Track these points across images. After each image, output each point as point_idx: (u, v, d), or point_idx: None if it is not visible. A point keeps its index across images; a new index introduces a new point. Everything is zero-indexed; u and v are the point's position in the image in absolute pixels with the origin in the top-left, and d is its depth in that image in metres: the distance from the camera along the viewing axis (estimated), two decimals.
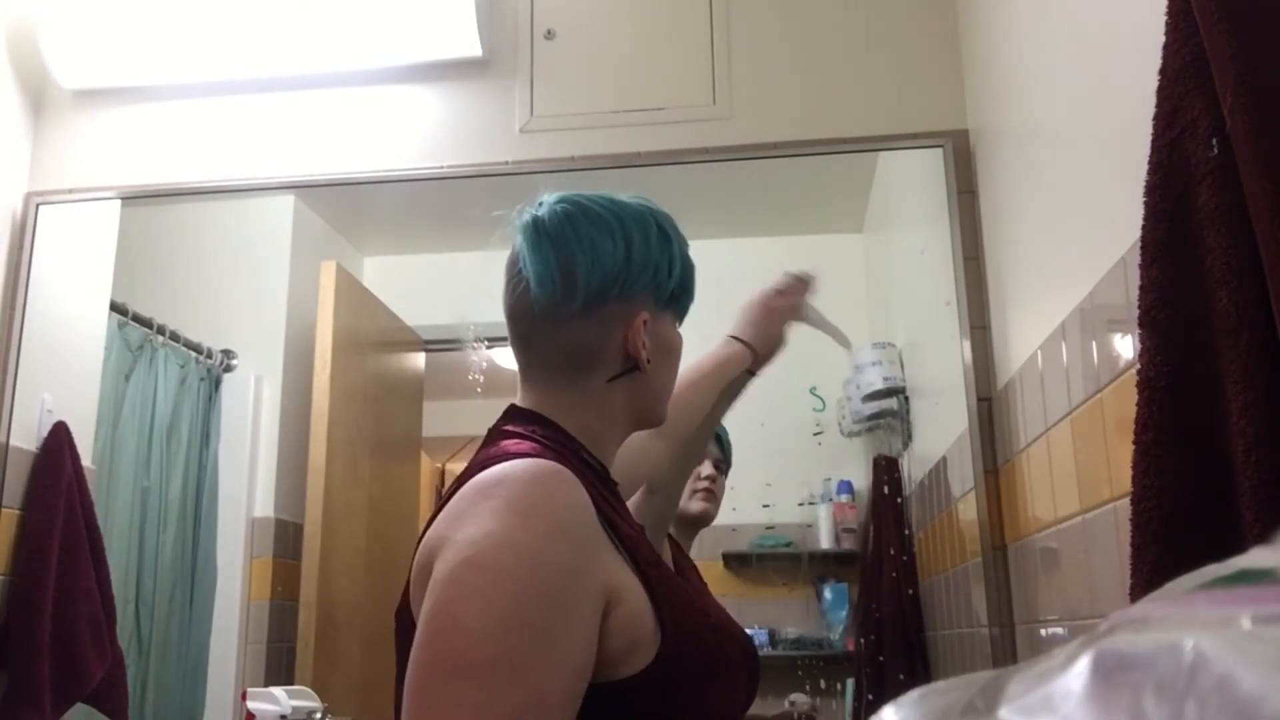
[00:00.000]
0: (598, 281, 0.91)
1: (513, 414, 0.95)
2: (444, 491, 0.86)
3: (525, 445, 0.86)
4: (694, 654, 0.83)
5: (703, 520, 1.76)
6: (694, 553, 1.85)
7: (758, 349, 1.29)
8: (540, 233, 0.92)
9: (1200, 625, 0.28)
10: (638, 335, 0.94)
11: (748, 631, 2.03)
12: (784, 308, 1.34)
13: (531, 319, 0.94)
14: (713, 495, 1.76)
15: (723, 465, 1.78)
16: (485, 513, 0.77)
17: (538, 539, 0.75)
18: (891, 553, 2.02)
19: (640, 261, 0.94)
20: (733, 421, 2.23)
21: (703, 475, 1.75)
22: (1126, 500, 0.86)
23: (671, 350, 1.01)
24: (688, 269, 1.01)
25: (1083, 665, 0.29)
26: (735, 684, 0.91)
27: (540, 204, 0.95)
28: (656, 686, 0.79)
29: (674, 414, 1.06)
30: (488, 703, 0.68)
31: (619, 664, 0.78)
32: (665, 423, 1.05)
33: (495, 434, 0.93)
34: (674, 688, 0.80)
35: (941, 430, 1.93)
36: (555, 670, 0.71)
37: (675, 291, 0.99)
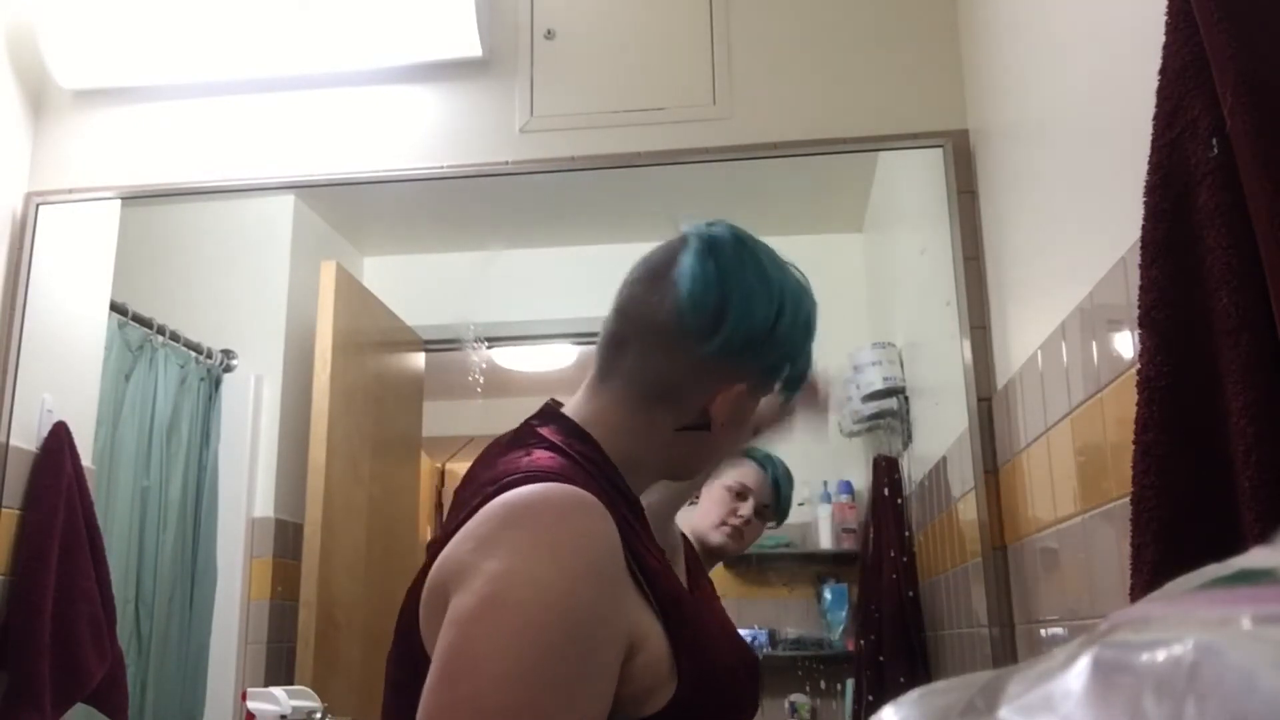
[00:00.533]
0: (741, 337, 0.87)
1: (553, 417, 0.90)
2: (459, 491, 0.83)
3: (557, 462, 0.82)
4: (709, 696, 0.82)
5: (721, 554, 1.72)
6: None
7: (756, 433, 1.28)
8: (716, 252, 0.88)
9: (1200, 625, 0.28)
10: (727, 402, 0.89)
11: (748, 632, 2.05)
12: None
13: (645, 327, 0.88)
14: (740, 536, 1.71)
15: (768, 513, 1.74)
16: (512, 544, 0.73)
17: (567, 580, 0.72)
18: (891, 553, 2.02)
19: (780, 339, 0.89)
20: None
21: (740, 513, 1.70)
22: (1126, 500, 0.86)
23: (745, 424, 0.96)
24: (808, 365, 0.96)
25: (1083, 665, 0.29)
26: (743, 713, 0.91)
27: (715, 224, 0.92)
28: None
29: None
30: None
31: (635, 706, 0.76)
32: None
33: (527, 434, 0.88)
34: None
35: (941, 430, 1.93)
36: (575, 717, 0.70)
37: (787, 380, 0.95)
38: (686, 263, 0.87)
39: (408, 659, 0.78)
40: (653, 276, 0.89)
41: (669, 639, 0.79)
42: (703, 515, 1.70)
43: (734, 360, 0.88)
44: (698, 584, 1.18)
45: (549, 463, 0.81)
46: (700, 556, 1.67)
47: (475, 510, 0.77)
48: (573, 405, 0.91)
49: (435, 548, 0.79)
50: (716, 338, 0.86)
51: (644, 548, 0.84)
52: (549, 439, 0.86)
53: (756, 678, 0.97)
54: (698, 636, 0.85)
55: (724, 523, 1.70)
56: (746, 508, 1.70)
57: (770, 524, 1.76)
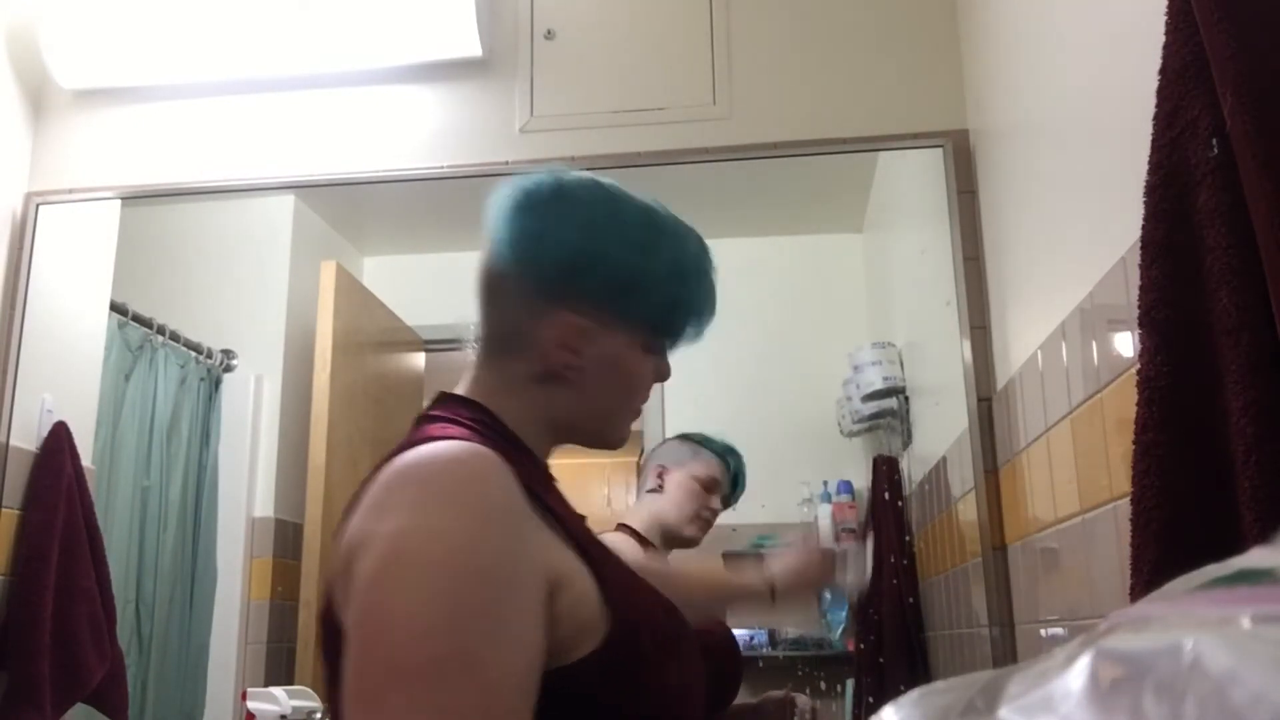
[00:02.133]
0: (552, 265, 0.86)
1: (440, 399, 0.90)
2: (361, 482, 0.81)
3: (451, 429, 0.81)
4: (646, 633, 0.80)
5: (693, 544, 1.79)
6: (693, 552, 1.87)
7: (776, 597, 1.31)
8: (527, 194, 0.89)
9: (1200, 625, 0.28)
10: (564, 338, 0.86)
11: (748, 632, 2.05)
12: (818, 581, 1.37)
13: (479, 284, 0.90)
14: (708, 526, 1.79)
15: (727, 501, 1.82)
16: (406, 502, 0.72)
17: (466, 525, 0.70)
18: (891, 553, 2.02)
19: (614, 269, 0.87)
20: (733, 421, 2.23)
21: (711, 505, 1.77)
22: (1126, 500, 0.86)
23: (622, 375, 0.91)
24: (690, 313, 0.93)
25: (1082, 665, 0.29)
26: (692, 662, 0.88)
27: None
28: (610, 668, 0.76)
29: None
30: (444, 704, 0.64)
31: (569, 649, 0.74)
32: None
33: (420, 420, 0.87)
34: (628, 668, 0.77)
35: (941, 430, 1.93)
36: (507, 660, 0.67)
37: (661, 324, 0.91)
38: (494, 209, 0.89)
39: (332, 649, 0.75)
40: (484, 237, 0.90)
41: (595, 578, 0.78)
42: (675, 507, 1.76)
43: (555, 292, 0.86)
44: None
45: (442, 431, 0.80)
46: (660, 545, 1.76)
47: (369, 486, 0.77)
48: (459, 386, 0.91)
49: (339, 537, 0.78)
50: (529, 272, 0.87)
51: (557, 502, 0.83)
52: (440, 416, 0.85)
53: (732, 656, 0.95)
54: (624, 572, 0.84)
55: (700, 518, 1.76)
56: (717, 500, 1.77)
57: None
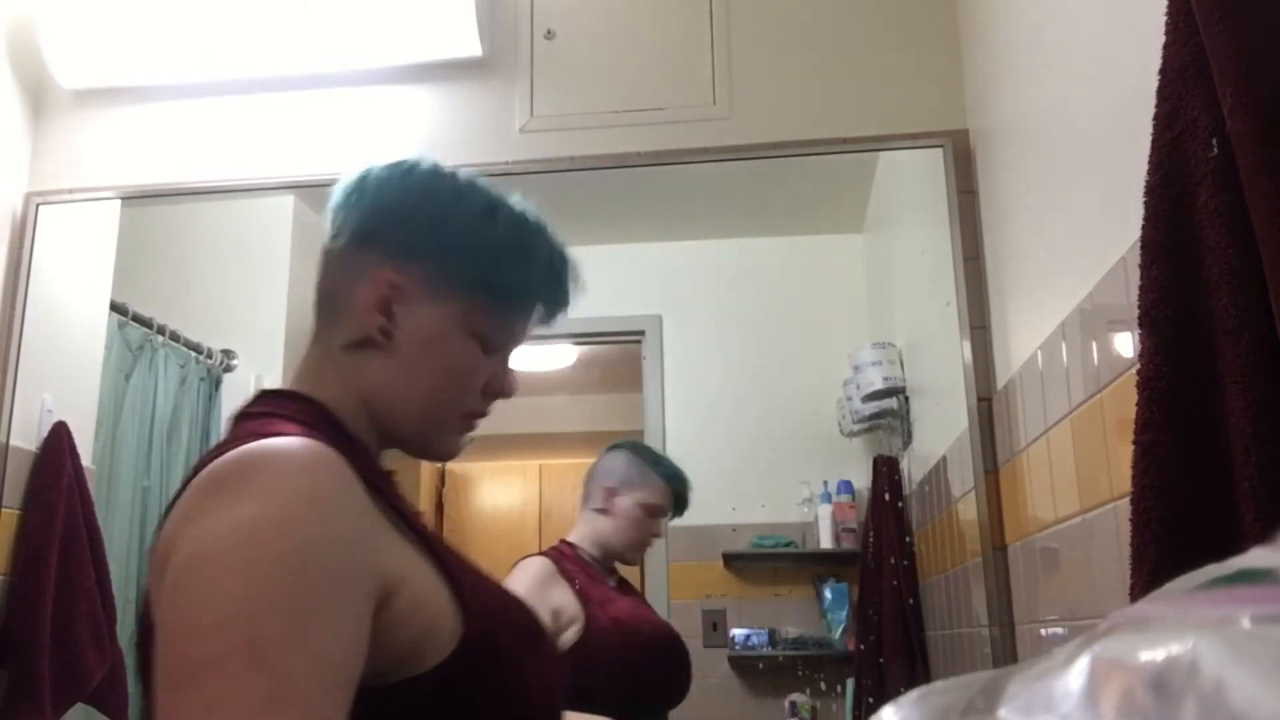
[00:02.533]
0: (357, 221, 0.85)
1: (255, 398, 0.84)
2: (175, 492, 0.75)
3: (279, 425, 0.75)
4: (504, 632, 0.78)
5: (633, 564, 1.89)
6: (692, 552, 1.90)
7: None
8: (364, 172, 0.90)
9: (1199, 625, 0.28)
10: (372, 294, 0.82)
11: (747, 632, 2.05)
12: None
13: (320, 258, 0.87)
14: (648, 547, 1.88)
15: (669, 519, 1.89)
16: (211, 505, 0.67)
17: (273, 513, 0.66)
18: (892, 553, 2.02)
19: (431, 229, 0.84)
20: (733, 421, 2.23)
21: (655, 531, 1.85)
22: (1126, 500, 0.86)
23: (440, 353, 0.84)
24: (533, 284, 0.88)
25: (1082, 665, 0.29)
26: (552, 658, 0.86)
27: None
28: (469, 670, 0.72)
29: None
30: (221, 694, 0.59)
31: (419, 653, 0.71)
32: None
33: (238, 418, 0.81)
34: (488, 668, 0.74)
35: (941, 430, 1.93)
36: (306, 654, 0.62)
37: (474, 287, 0.85)
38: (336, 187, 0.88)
39: (146, 666, 0.69)
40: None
41: (446, 578, 0.75)
42: (619, 533, 1.83)
43: (372, 242, 0.85)
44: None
45: (261, 427, 0.75)
46: (600, 560, 1.82)
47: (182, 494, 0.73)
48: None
49: (152, 549, 0.73)
50: (350, 224, 0.86)
51: (397, 498, 0.78)
52: (255, 413, 0.80)
53: (678, 656, 0.90)
54: (474, 573, 0.81)
55: (642, 543, 1.85)
56: (660, 525, 1.85)
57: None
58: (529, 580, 1.70)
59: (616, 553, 1.83)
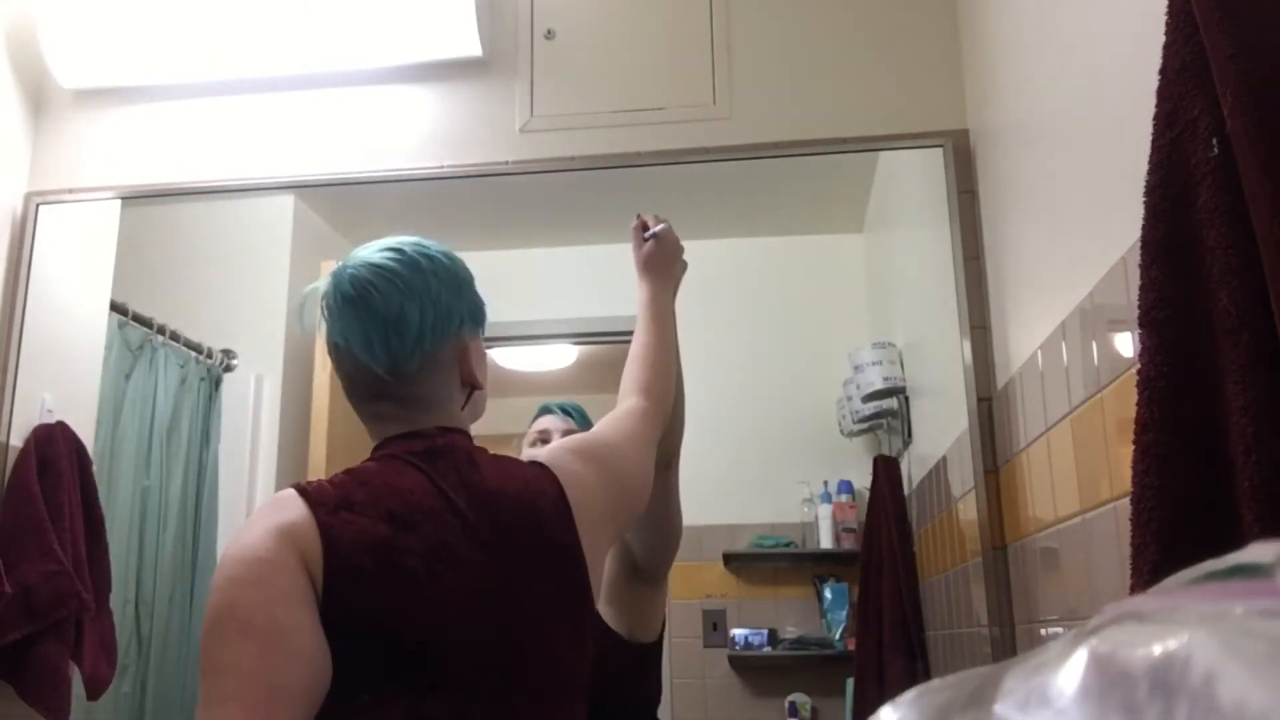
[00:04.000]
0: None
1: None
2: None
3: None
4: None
5: None
6: (693, 552, 1.89)
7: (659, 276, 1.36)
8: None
9: (1195, 619, 0.28)
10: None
11: (747, 632, 2.05)
12: (648, 250, 1.38)
13: None
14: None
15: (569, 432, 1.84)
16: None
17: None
18: (892, 553, 2.02)
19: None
20: (733, 421, 2.23)
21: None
22: (1126, 500, 0.86)
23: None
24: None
25: (1078, 659, 0.29)
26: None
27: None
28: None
29: (656, 381, 1.22)
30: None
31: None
32: (653, 396, 1.23)
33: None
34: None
35: (941, 430, 1.93)
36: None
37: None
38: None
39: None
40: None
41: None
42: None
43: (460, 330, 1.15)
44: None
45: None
46: None
47: None
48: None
49: None
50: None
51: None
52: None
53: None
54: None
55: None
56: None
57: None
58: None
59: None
